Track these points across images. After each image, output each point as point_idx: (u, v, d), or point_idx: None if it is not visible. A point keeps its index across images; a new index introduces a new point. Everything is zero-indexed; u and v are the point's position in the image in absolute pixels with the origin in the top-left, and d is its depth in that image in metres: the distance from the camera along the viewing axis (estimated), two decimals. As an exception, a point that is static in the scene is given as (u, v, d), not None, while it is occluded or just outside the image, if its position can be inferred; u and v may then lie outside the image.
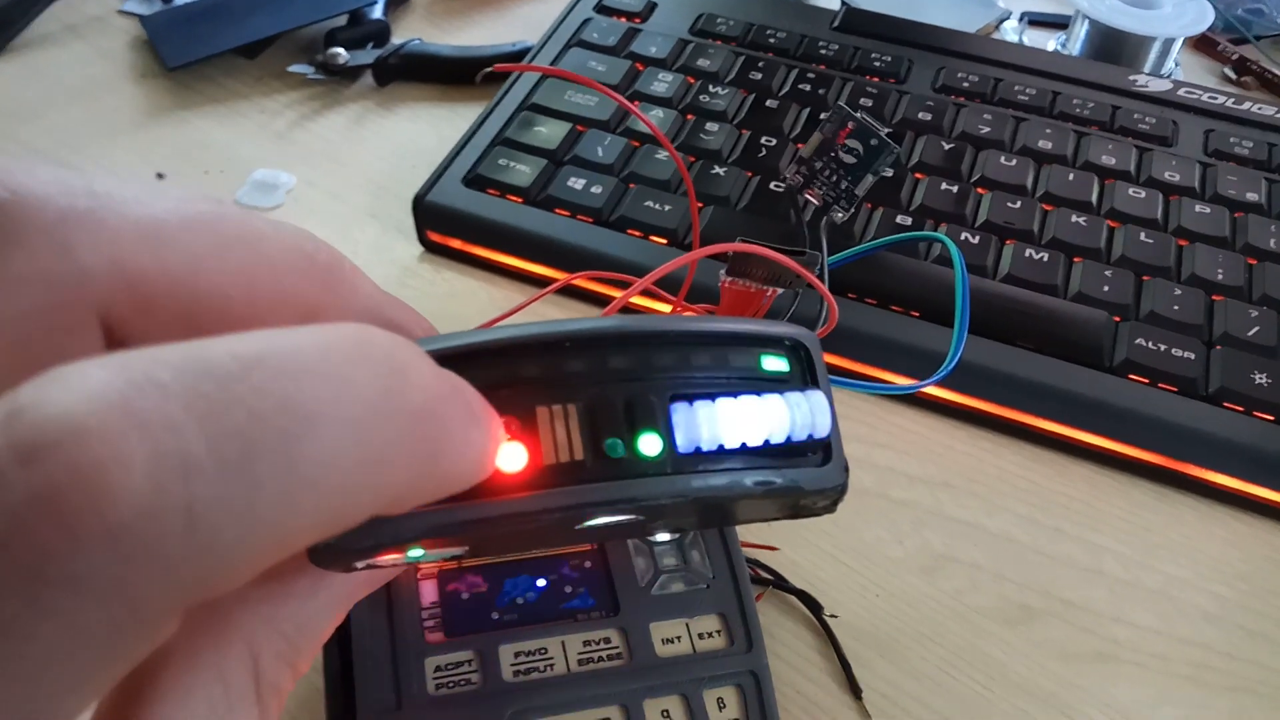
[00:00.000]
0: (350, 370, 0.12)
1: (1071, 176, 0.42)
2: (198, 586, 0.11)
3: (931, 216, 0.41)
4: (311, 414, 0.12)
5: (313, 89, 0.50)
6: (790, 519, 0.21)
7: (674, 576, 0.26)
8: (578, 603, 0.26)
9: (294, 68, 0.51)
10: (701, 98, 0.45)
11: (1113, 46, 0.52)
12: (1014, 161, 0.43)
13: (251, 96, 0.50)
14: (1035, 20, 0.59)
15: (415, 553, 0.16)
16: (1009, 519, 0.34)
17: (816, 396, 0.17)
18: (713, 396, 0.17)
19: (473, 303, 0.40)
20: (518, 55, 0.50)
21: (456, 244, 0.41)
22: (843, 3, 0.55)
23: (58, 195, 0.14)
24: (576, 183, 0.41)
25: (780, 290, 0.24)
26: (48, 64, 0.51)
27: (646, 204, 0.40)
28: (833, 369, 0.37)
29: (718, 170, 0.42)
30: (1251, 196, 0.42)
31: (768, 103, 0.45)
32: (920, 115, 0.45)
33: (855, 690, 0.29)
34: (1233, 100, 0.47)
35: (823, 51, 0.48)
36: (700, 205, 0.41)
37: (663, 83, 0.46)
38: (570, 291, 0.41)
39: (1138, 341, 0.36)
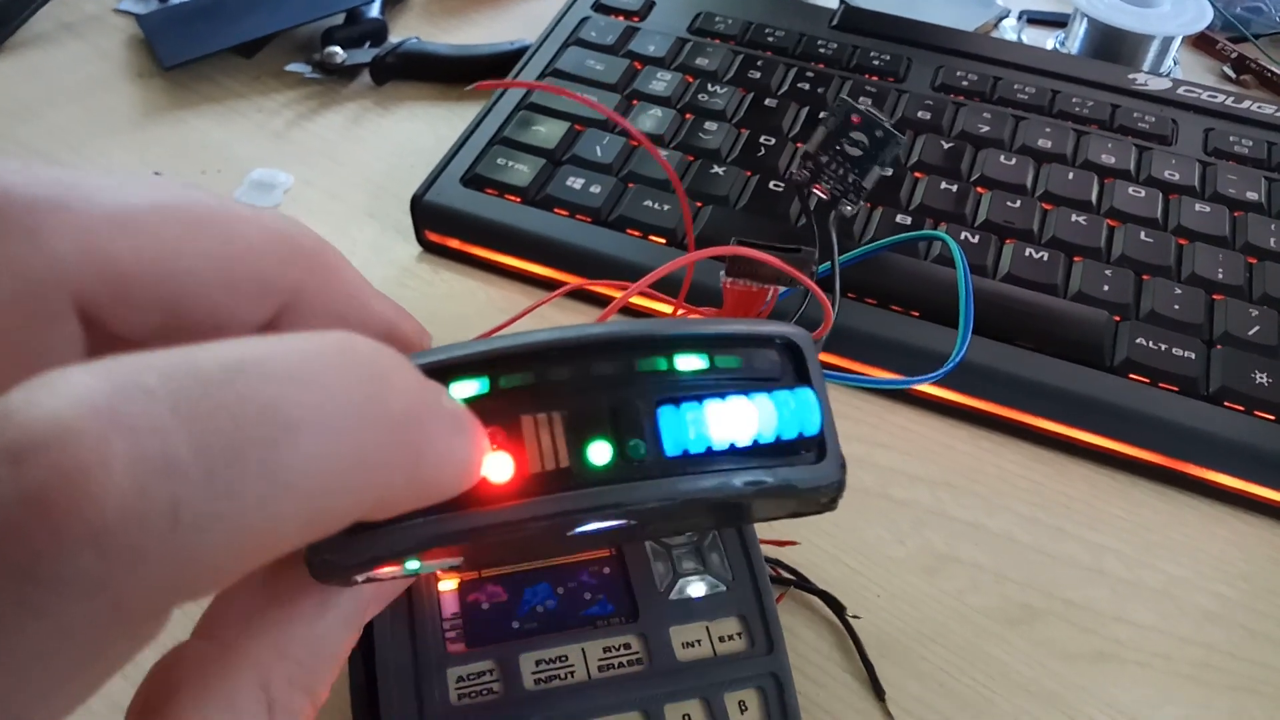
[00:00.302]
0: (333, 377, 0.13)
1: (1071, 175, 0.42)
2: (182, 586, 0.11)
3: (931, 216, 0.41)
4: (294, 419, 0.12)
5: (310, 88, 0.50)
6: (792, 517, 0.21)
7: (693, 580, 0.26)
8: (597, 609, 0.26)
9: (291, 67, 0.51)
10: (700, 96, 0.45)
11: (1112, 45, 0.52)
12: (1013, 160, 0.43)
13: (249, 95, 0.49)
14: (1034, 19, 0.59)
15: (412, 564, 0.16)
16: (1010, 519, 0.34)
17: (806, 394, 0.17)
18: (700, 399, 0.17)
19: (471, 302, 0.40)
20: (516, 54, 0.50)
21: (455, 244, 0.41)
22: (841, 1, 0.55)
23: (26, 186, 0.14)
24: (575, 182, 0.41)
25: (782, 288, 0.24)
26: (44, 63, 0.51)
27: (645, 203, 0.40)
28: (832, 368, 0.37)
29: (716, 169, 0.42)
30: (1251, 195, 0.42)
31: (766, 101, 0.45)
32: (919, 114, 0.45)
33: (879, 692, 0.29)
34: (1232, 99, 0.47)
35: (821, 50, 0.48)
36: (699, 205, 0.41)
37: (661, 81, 0.46)
38: (574, 293, 0.40)
39: (1138, 341, 0.36)
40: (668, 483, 0.16)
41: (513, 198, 0.41)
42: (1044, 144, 0.44)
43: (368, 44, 0.51)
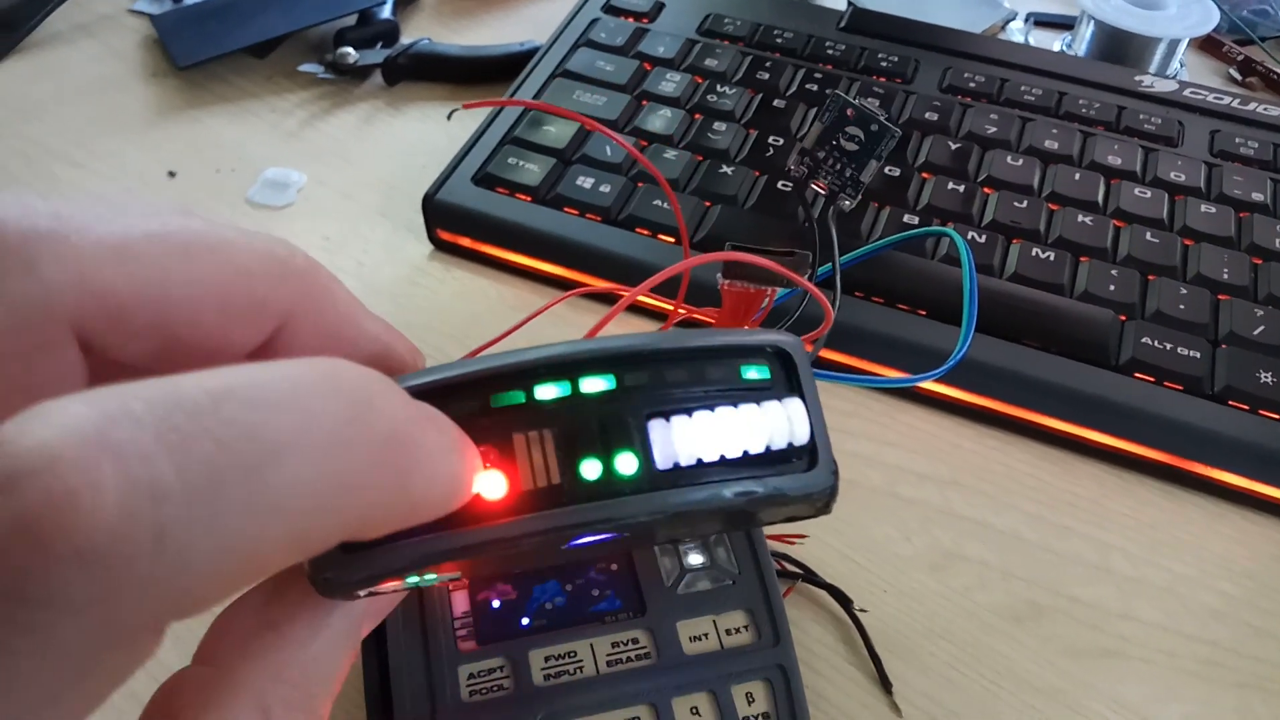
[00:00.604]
0: (317, 402, 0.13)
1: (1078, 176, 0.43)
2: (171, 605, 0.12)
3: (938, 216, 0.41)
4: (278, 442, 0.12)
5: (322, 88, 0.51)
6: (787, 522, 0.21)
7: (700, 574, 0.27)
8: (605, 605, 0.26)
9: (304, 67, 0.51)
10: (709, 97, 0.45)
11: (1118, 47, 0.52)
12: (1020, 161, 0.43)
13: (262, 95, 0.50)
14: (1041, 21, 0.59)
15: (411, 579, 0.17)
16: (1017, 517, 0.34)
17: (794, 404, 0.18)
18: (690, 411, 0.17)
19: (482, 300, 0.41)
20: (526, 55, 0.50)
21: (466, 242, 0.42)
22: (849, 3, 0.55)
23: (20, 219, 0.14)
24: (585, 181, 0.41)
25: (780, 289, 0.24)
26: (59, 63, 0.51)
27: (655, 203, 0.40)
28: (839, 367, 0.37)
29: (725, 169, 0.42)
30: (1257, 197, 0.42)
31: (775, 102, 0.45)
32: (927, 115, 0.45)
33: (886, 685, 0.29)
34: (1238, 101, 0.47)
35: (829, 51, 0.48)
36: (707, 205, 0.41)
37: (671, 82, 0.46)
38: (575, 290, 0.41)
39: (1144, 340, 0.36)
40: (658, 496, 0.17)
41: (523, 197, 0.41)
42: (1051, 145, 0.44)
43: (380, 45, 0.52)
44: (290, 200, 0.45)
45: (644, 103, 0.45)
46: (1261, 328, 0.37)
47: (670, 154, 0.42)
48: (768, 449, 0.18)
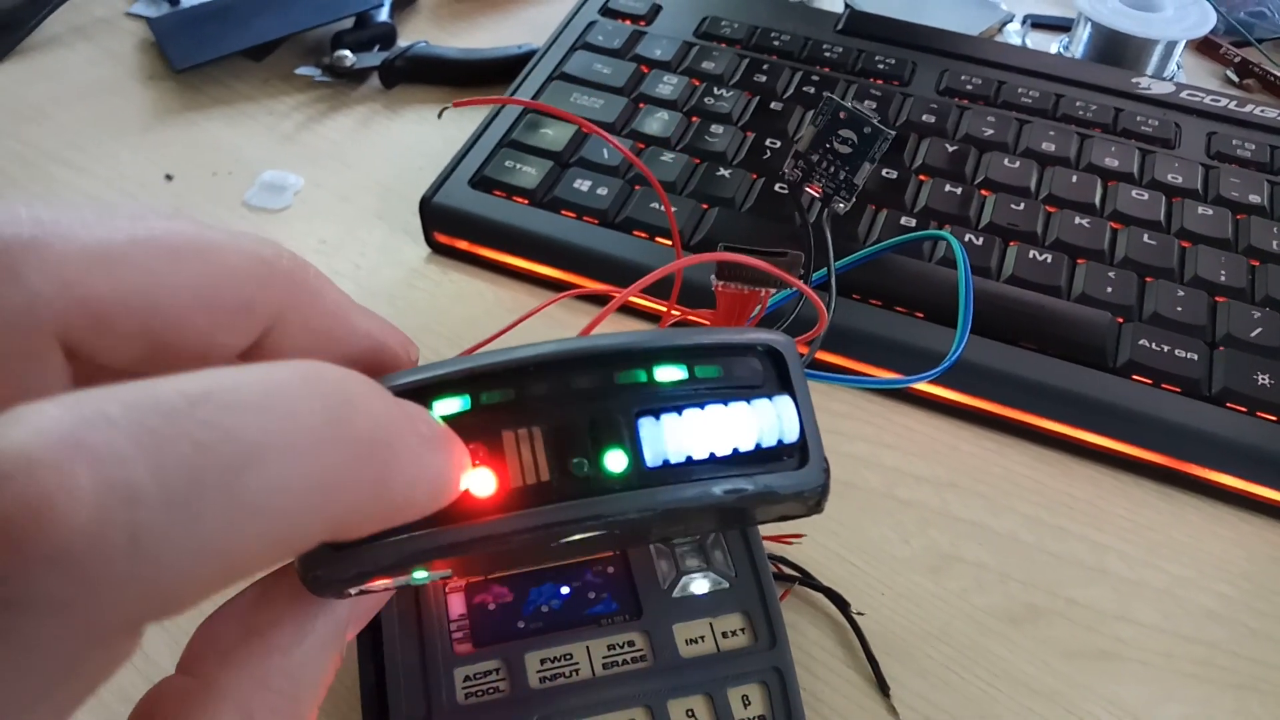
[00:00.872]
0: (296, 403, 0.13)
1: (1075, 178, 0.43)
2: (148, 606, 0.12)
3: (935, 218, 0.41)
4: (255, 444, 0.12)
5: (319, 91, 0.51)
6: (780, 521, 0.21)
7: (696, 577, 0.27)
8: (601, 608, 0.26)
9: (301, 70, 0.51)
10: (706, 100, 0.45)
11: (1115, 49, 0.52)
12: (1017, 163, 0.43)
13: (259, 98, 0.50)
14: (1038, 23, 0.59)
15: (401, 578, 0.17)
16: (1014, 519, 0.34)
17: (784, 402, 0.18)
18: (679, 409, 0.17)
19: (479, 303, 0.41)
20: (523, 58, 0.50)
21: (463, 245, 0.42)
22: (846, 5, 0.55)
23: (3, 226, 0.14)
24: (582, 184, 0.41)
25: (774, 290, 0.24)
26: (56, 66, 0.51)
27: (652, 205, 0.40)
28: (837, 369, 0.37)
29: (723, 172, 0.42)
30: (1254, 199, 0.42)
31: (772, 105, 0.45)
32: (924, 117, 0.45)
33: (883, 687, 0.29)
34: (1235, 103, 0.47)
35: (826, 54, 0.48)
36: (704, 207, 0.41)
37: (668, 85, 0.46)
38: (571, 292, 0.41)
39: (1141, 342, 0.36)
40: (647, 493, 0.17)
41: (520, 200, 0.41)
42: (1048, 147, 0.44)
43: (376, 48, 0.52)
44: (287, 203, 0.45)
45: (641, 105, 0.45)
46: (1259, 330, 0.37)
47: (667, 156, 0.43)
48: (758, 447, 0.18)
